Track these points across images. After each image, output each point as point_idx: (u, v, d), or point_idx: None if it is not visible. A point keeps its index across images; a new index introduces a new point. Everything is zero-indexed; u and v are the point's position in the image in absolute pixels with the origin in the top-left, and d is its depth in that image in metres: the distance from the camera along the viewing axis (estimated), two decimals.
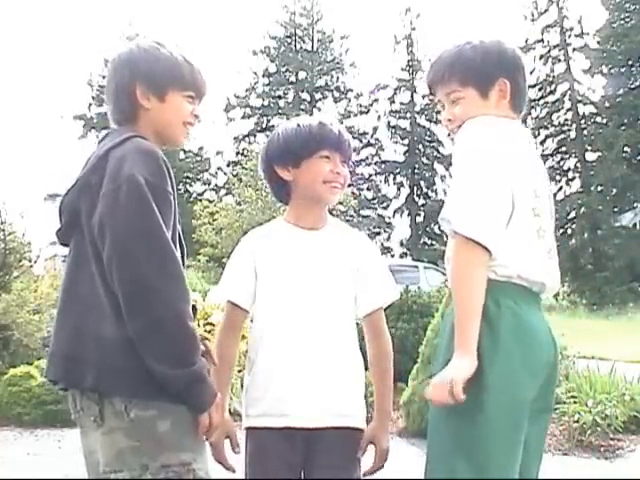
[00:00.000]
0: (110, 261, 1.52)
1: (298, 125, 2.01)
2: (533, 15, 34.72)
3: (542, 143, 33.69)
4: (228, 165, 36.74)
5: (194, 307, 1.65)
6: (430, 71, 1.93)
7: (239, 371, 4.25)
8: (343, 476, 1.92)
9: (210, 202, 26.74)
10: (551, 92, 34.06)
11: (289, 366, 1.91)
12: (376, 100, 38.27)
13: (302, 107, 37.41)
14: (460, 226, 1.63)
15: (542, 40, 34.45)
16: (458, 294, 1.66)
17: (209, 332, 5.46)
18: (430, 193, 37.58)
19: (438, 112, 2.09)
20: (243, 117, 38.56)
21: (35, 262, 8.42)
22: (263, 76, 38.88)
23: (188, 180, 37.64)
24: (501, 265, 1.68)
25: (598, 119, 33.25)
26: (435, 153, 37.66)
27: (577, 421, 5.20)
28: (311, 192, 2.00)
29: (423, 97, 36.78)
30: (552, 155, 33.78)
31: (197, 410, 1.58)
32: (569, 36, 34.08)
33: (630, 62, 32.36)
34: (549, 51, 34.32)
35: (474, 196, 1.65)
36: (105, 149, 1.64)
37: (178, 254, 1.59)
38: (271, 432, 1.90)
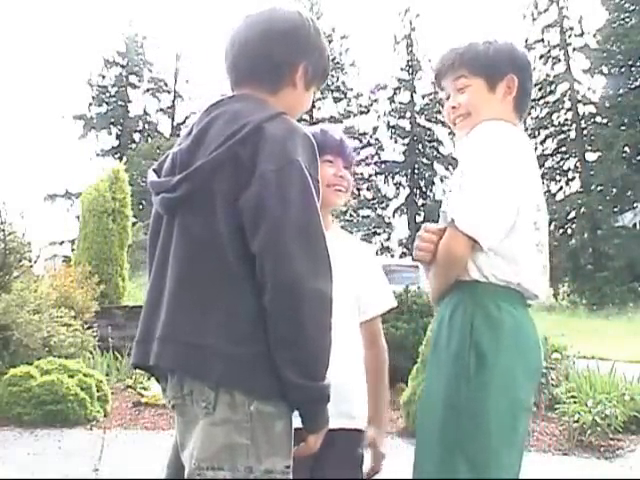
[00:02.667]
0: (265, 251, 1.40)
1: None
2: (533, 15, 34.76)
3: (542, 143, 33.69)
4: None
5: None
6: (439, 60, 1.95)
7: None
8: (350, 476, 1.94)
9: None
10: (551, 92, 34.06)
11: None
12: (376, 100, 38.28)
13: None
14: (462, 224, 1.66)
15: (542, 40, 34.49)
16: (439, 273, 1.77)
17: None
18: (429, 193, 37.56)
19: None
20: None
21: (35, 262, 8.41)
22: None
23: None
24: (502, 271, 1.71)
25: (598, 119, 33.25)
26: (435, 153, 37.62)
27: (577, 421, 5.20)
28: None
29: (423, 97, 36.80)
30: (552, 155, 33.77)
31: (309, 429, 1.48)
32: (569, 36, 34.11)
33: (630, 62, 32.37)
34: (549, 51, 34.34)
35: (481, 202, 1.68)
36: (257, 120, 1.47)
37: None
38: None
